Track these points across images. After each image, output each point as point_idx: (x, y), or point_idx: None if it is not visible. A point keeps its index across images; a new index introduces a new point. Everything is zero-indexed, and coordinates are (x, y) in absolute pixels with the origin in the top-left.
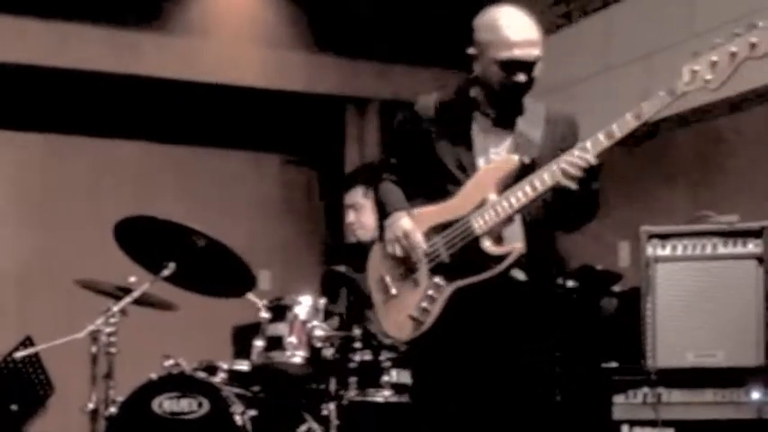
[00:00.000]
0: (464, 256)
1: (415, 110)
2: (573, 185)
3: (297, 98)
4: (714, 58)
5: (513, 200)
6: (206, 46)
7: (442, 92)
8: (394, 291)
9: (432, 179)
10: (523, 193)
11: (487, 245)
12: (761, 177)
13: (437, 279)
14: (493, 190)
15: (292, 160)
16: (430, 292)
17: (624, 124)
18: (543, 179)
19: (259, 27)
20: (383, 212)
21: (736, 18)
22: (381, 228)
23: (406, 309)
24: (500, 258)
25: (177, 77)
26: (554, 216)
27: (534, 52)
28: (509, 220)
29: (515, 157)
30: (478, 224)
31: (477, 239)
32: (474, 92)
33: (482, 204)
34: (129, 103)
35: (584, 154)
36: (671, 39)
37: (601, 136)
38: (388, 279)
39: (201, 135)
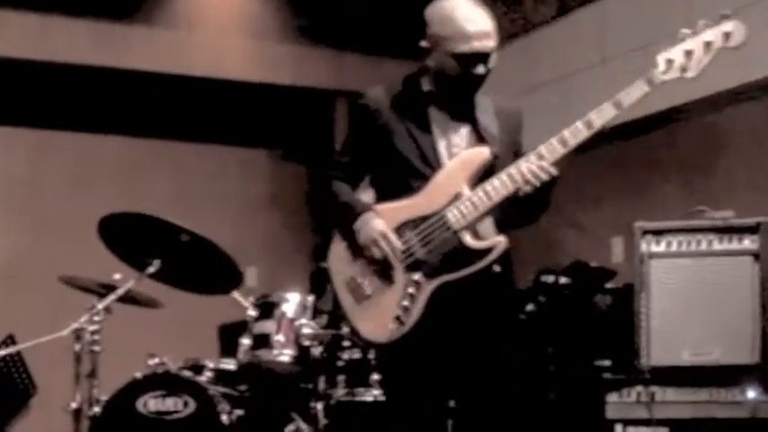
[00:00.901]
0: (442, 251)
1: (366, 103)
2: (530, 191)
3: (284, 92)
4: (689, 47)
5: (491, 192)
6: (192, 39)
7: (390, 84)
8: (368, 291)
9: (390, 174)
10: (502, 185)
11: (468, 239)
12: (757, 172)
13: (416, 276)
14: (465, 183)
15: (280, 155)
16: (410, 290)
17: (602, 113)
18: (521, 170)
19: (246, 19)
20: (344, 213)
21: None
22: (343, 228)
23: (384, 309)
24: (483, 252)
25: (162, 71)
26: (512, 213)
27: (491, 43)
28: (486, 214)
29: (487, 150)
30: (455, 218)
31: (455, 234)
32: (426, 85)
33: (456, 198)
34: (113, 98)
35: (555, 156)
36: (668, 30)
37: (580, 124)
38: (359, 280)
39: (187, 130)
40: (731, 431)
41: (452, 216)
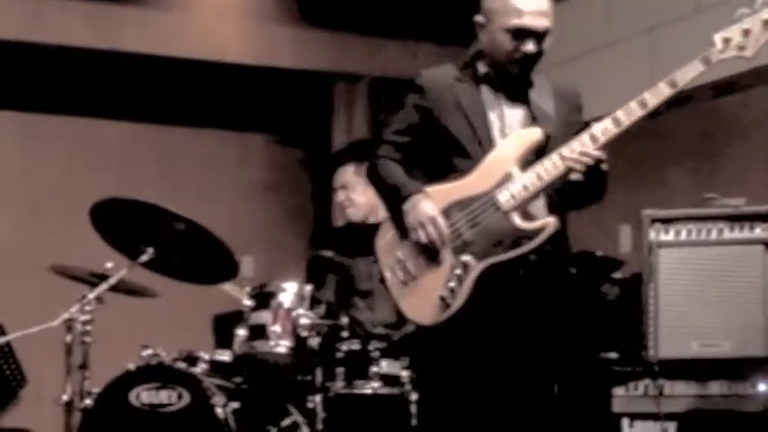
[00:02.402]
0: (490, 232)
1: (419, 83)
2: (580, 176)
3: (283, 75)
4: (746, 26)
5: (543, 173)
6: (188, 21)
7: (445, 66)
8: (415, 272)
9: (438, 155)
10: (553, 166)
11: (519, 221)
12: None
13: (464, 257)
14: (515, 164)
15: (278, 140)
16: (457, 271)
17: (657, 93)
18: (574, 150)
19: (243, 0)
20: (394, 194)
21: None
22: (393, 210)
23: (429, 291)
24: (533, 234)
25: (157, 54)
26: (565, 195)
27: (545, 22)
28: (537, 195)
29: (539, 130)
30: (505, 199)
31: (504, 215)
32: (481, 66)
33: (506, 179)
34: (107, 81)
35: (608, 136)
36: (676, 12)
37: (633, 104)
38: (406, 260)
39: (183, 114)
40: (742, 426)
41: (502, 197)
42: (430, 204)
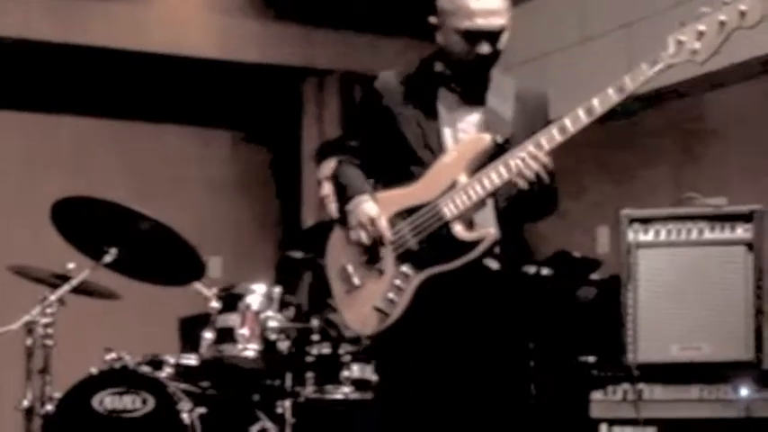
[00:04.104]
0: (433, 242)
1: (375, 87)
2: (525, 186)
3: (250, 70)
4: (701, 28)
5: (486, 182)
6: (152, 13)
7: (405, 67)
8: (357, 281)
9: (394, 160)
10: (497, 175)
11: (459, 230)
12: (750, 157)
13: (404, 268)
14: (463, 171)
15: (245, 137)
16: (396, 281)
17: (605, 99)
18: (519, 159)
19: None
20: (344, 196)
21: None
22: (343, 213)
23: (370, 300)
24: (473, 244)
25: (120, 47)
26: (519, 205)
27: (498, 21)
28: (482, 204)
29: (487, 137)
30: (449, 208)
31: (447, 225)
32: (439, 66)
33: (452, 187)
34: (67, 75)
35: (553, 144)
36: (653, 6)
37: (581, 111)
38: (350, 268)
39: (146, 109)
40: (723, 431)
41: (446, 206)
42: (373, 205)
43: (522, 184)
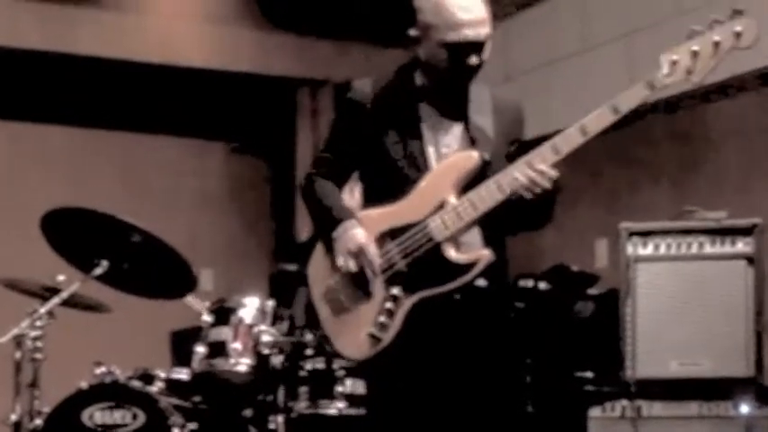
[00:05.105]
0: (424, 264)
1: (350, 97)
2: (530, 196)
3: (244, 80)
4: (695, 48)
5: (477, 202)
6: (145, 22)
7: (379, 77)
8: (345, 303)
9: (375, 176)
10: (489, 194)
11: (452, 253)
12: (751, 170)
13: (394, 290)
14: (451, 191)
15: (239, 148)
16: (387, 305)
17: (598, 118)
18: (513, 179)
19: (202, 1)
20: (325, 217)
21: None
22: (324, 233)
23: (360, 324)
24: (466, 267)
25: (111, 56)
26: (510, 219)
27: (484, 31)
28: (472, 224)
29: (476, 154)
30: (439, 229)
31: (437, 246)
32: (419, 79)
33: (441, 207)
34: (59, 85)
35: (547, 165)
36: (654, 16)
37: (574, 131)
38: (337, 290)
39: (139, 120)
40: None
41: (435, 226)
42: (361, 231)
43: (527, 195)
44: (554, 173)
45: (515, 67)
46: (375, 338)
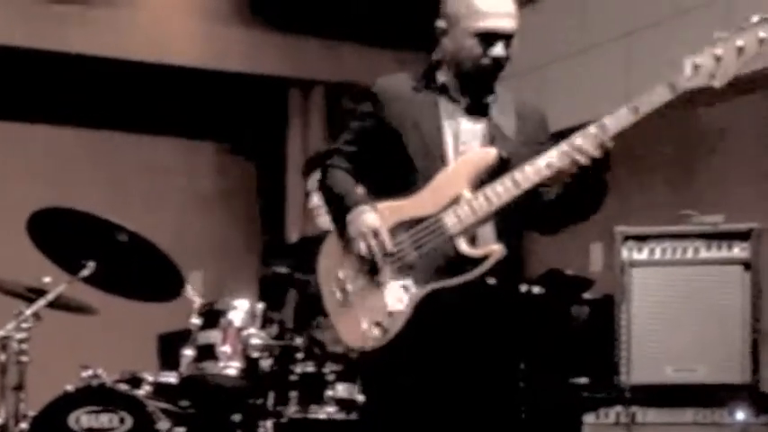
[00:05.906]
0: (435, 257)
1: (374, 92)
2: (585, 161)
3: (234, 79)
4: (718, 52)
5: (492, 197)
6: (134, 20)
7: (405, 74)
8: (353, 292)
9: (393, 170)
10: (505, 190)
11: (464, 247)
12: (748, 174)
13: (405, 281)
14: (467, 186)
15: (228, 149)
16: (397, 295)
17: (619, 119)
18: (526, 175)
19: None
20: (339, 204)
21: None
22: (337, 222)
23: (367, 313)
24: (477, 261)
25: (100, 54)
26: (548, 211)
27: (512, 24)
28: (486, 220)
29: (494, 151)
30: (452, 223)
31: (450, 240)
32: (441, 77)
33: (455, 201)
34: (46, 83)
35: (601, 134)
36: (654, 15)
37: (593, 129)
38: (345, 278)
39: (127, 119)
40: None
41: (449, 220)
42: (374, 216)
43: (556, 189)
44: (596, 153)
45: (515, 66)
46: (382, 328)
